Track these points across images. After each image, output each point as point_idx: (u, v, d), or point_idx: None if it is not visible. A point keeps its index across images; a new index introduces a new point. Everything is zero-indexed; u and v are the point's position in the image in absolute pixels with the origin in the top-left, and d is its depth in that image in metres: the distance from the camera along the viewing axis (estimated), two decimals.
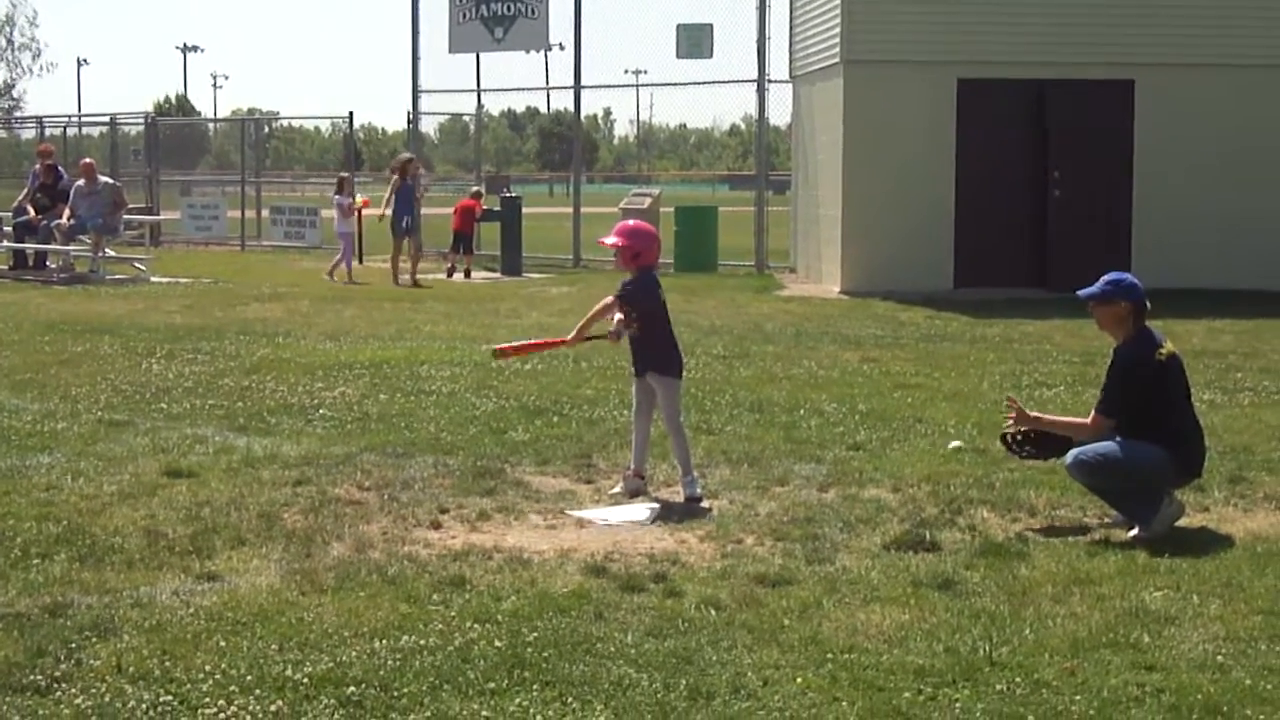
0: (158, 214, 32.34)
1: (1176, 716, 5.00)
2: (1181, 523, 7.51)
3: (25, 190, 24.98)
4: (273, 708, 5.03)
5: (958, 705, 5.09)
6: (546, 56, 29.30)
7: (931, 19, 20.77)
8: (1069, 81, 20.74)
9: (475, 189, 26.73)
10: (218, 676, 5.28)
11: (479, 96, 29.91)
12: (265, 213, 33.38)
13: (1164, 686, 5.23)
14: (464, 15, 27.75)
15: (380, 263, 24.31)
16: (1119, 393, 7.50)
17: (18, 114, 66.81)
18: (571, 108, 28.03)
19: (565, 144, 42.01)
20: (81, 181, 23.48)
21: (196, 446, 9.46)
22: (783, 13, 25.02)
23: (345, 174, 26.02)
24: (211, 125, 57.69)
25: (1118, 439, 7.47)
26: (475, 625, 5.85)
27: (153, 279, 22.66)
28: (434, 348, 14.28)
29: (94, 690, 5.16)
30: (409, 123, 29.73)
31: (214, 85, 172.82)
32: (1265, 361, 13.51)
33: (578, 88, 27.00)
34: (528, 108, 78.67)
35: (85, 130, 40.48)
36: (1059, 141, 20.91)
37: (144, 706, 5.03)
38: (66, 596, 6.20)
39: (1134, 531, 7.32)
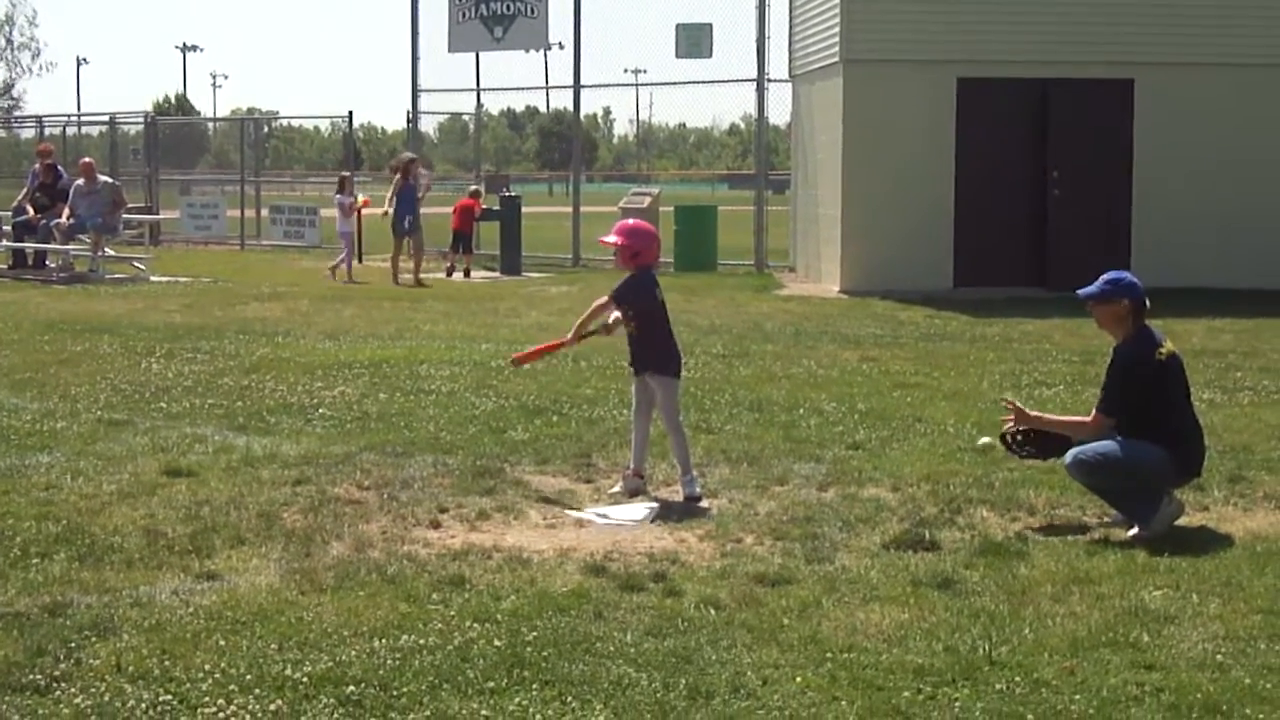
0: (157, 213, 32.33)
1: (1176, 715, 5.00)
2: (1181, 522, 7.51)
3: (24, 190, 24.98)
4: (272, 707, 5.03)
5: (957, 704, 5.09)
6: (546, 56, 29.32)
7: (931, 18, 20.77)
8: (1068, 81, 20.73)
9: (474, 188, 26.74)
10: (217, 676, 5.28)
11: (478, 96, 29.95)
12: (265, 212, 33.37)
13: (1163, 685, 5.23)
14: (463, 14, 27.75)
15: (380, 262, 24.31)
16: (1120, 392, 7.50)
17: (17, 113, 66.80)
18: (571, 107, 28.04)
19: (565, 143, 42.01)
20: (81, 181, 23.47)
21: (196, 446, 9.46)
22: (782, 12, 25.06)
23: (346, 173, 26.01)
24: (211, 124, 57.67)
25: (1117, 438, 7.47)
26: (475, 624, 5.85)
27: (152, 278, 22.66)
28: (433, 347, 14.28)
29: (93, 690, 5.16)
30: (408, 122, 29.75)
31: (213, 85, 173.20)
32: (1265, 361, 13.51)
33: (577, 87, 26.99)
34: (527, 107, 78.63)
35: (85, 130, 40.48)
36: (1058, 141, 20.91)
37: (143, 706, 5.03)
38: (66, 596, 6.20)
39: (1133, 531, 7.32)
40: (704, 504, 8.09)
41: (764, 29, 24.53)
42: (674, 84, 27.36)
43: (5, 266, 24.57)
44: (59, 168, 25.23)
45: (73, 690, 5.16)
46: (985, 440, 9.23)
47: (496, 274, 24.97)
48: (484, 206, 25.72)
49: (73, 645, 5.59)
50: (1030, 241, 20.92)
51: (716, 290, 20.86)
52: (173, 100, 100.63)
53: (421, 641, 5.65)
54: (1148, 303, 7.61)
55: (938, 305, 18.51)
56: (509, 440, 9.68)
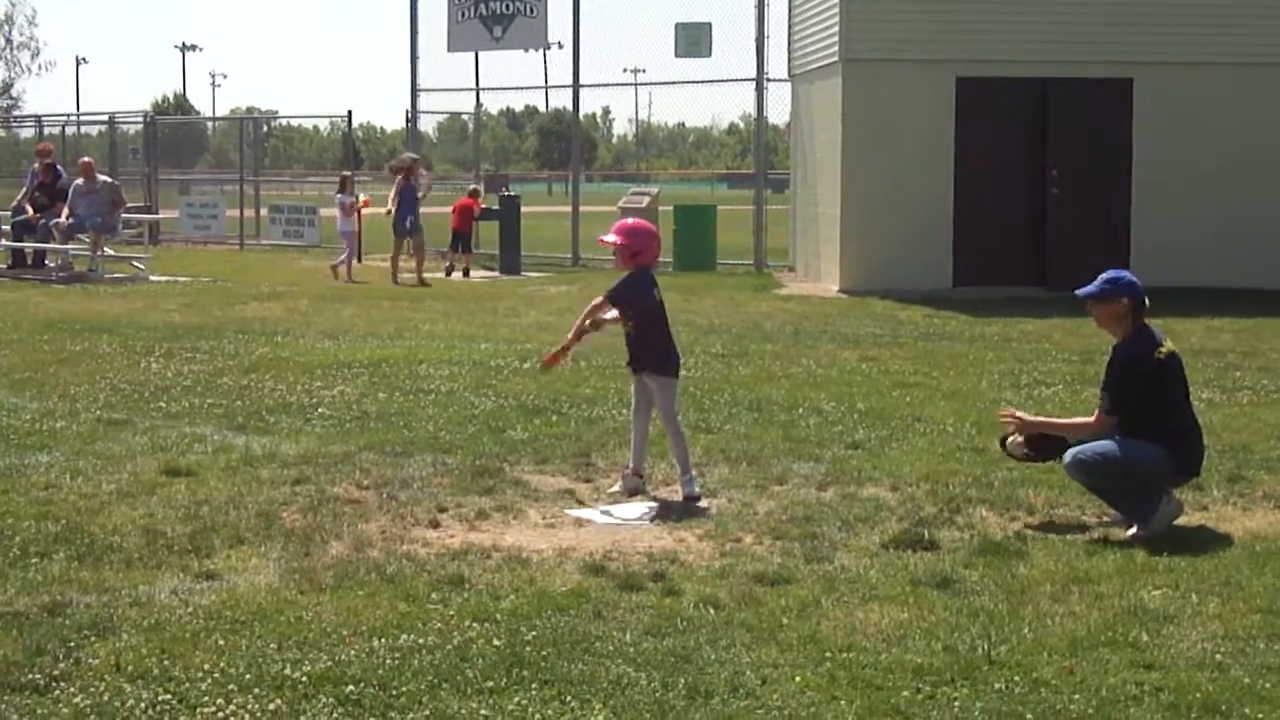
0: (156, 213, 32.33)
1: (1175, 715, 5.00)
2: (1180, 521, 7.51)
3: (24, 189, 24.98)
4: (271, 706, 5.03)
5: (956, 704, 5.09)
6: (545, 55, 29.32)
7: (930, 18, 20.77)
8: (1067, 80, 20.73)
9: (472, 187, 26.74)
10: (216, 675, 5.28)
11: (478, 95, 29.92)
12: (264, 211, 33.37)
13: (1162, 685, 5.23)
14: (463, 14, 27.75)
15: (379, 262, 24.30)
16: (1121, 390, 7.49)
17: (16, 113, 66.86)
18: (570, 106, 28.04)
19: (564, 143, 42.00)
20: (80, 180, 23.47)
21: (195, 445, 9.46)
22: (781, 11, 25.06)
23: (347, 173, 26.02)
24: (210, 124, 57.67)
25: (1116, 438, 7.46)
26: (474, 624, 5.85)
27: (151, 278, 22.66)
28: (433, 346, 14.28)
29: (93, 689, 5.16)
30: (408, 121, 29.72)
31: (213, 84, 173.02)
32: (1264, 360, 13.52)
33: (576, 86, 26.99)
34: (526, 106, 78.55)
35: (84, 129, 40.46)
36: (1057, 140, 20.91)
37: (143, 705, 5.03)
38: (65, 595, 6.20)
39: (1132, 530, 7.32)
40: (703, 503, 8.09)
41: (763, 28, 24.55)
42: (673, 83, 27.36)
43: (4, 266, 24.57)
44: (58, 167, 25.22)
45: (72, 690, 5.16)
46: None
47: (496, 273, 24.97)
48: (483, 206, 25.72)
49: (72, 645, 5.59)
50: (1029, 241, 20.92)
51: (716, 290, 20.86)
52: (172, 100, 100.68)
53: (421, 641, 5.65)
54: (1147, 301, 7.61)
55: (937, 305, 18.51)
56: (508, 440, 9.68)
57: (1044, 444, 7.88)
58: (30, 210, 24.07)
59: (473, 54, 28.74)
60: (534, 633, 5.75)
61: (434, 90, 29.13)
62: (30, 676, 5.26)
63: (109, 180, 24.49)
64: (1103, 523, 7.57)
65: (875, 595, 6.30)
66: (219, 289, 21.17)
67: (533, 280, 23.54)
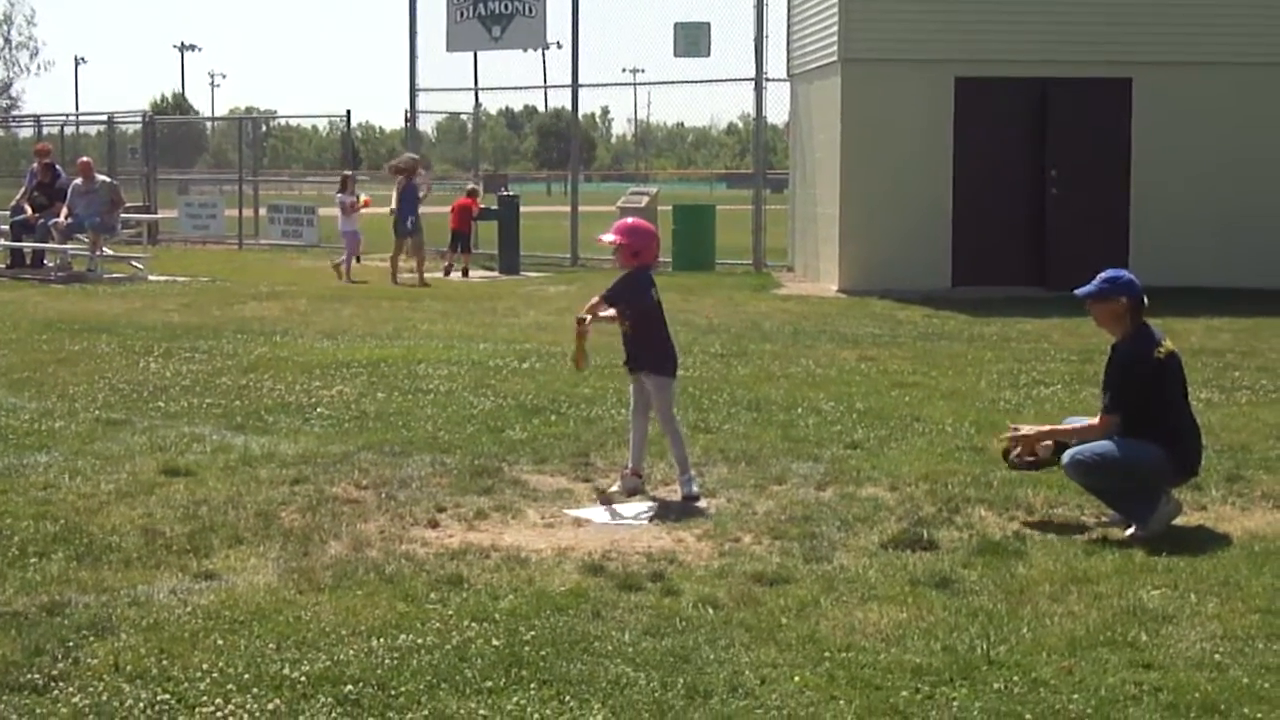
0: (155, 212, 32.35)
1: (1174, 715, 5.00)
2: (1179, 521, 7.51)
3: (23, 189, 24.97)
4: (270, 706, 5.03)
5: (955, 704, 5.09)
6: (544, 55, 29.35)
7: (929, 17, 20.77)
8: (1066, 80, 20.73)
9: (470, 187, 26.72)
10: (215, 675, 5.28)
11: (476, 95, 29.91)
12: (263, 211, 33.37)
13: (1162, 685, 5.23)
14: (461, 14, 27.74)
15: (379, 262, 24.30)
16: (1121, 390, 7.48)
17: (15, 113, 66.83)
18: (569, 106, 28.05)
19: (563, 143, 41.98)
20: (79, 180, 23.46)
21: (194, 445, 9.45)
22: (780, 11, 25.06)
23: (349, 172, 26.03)
24: (209, 124, 57.67)
25: (1115, 438, 7.46)
26: (473, 624, 5.85)
27: (150, 278, 22.65)
28: (431, 346, 14.27)
29: (91, 689, 5.16)
30: (406, 121, 29.72)
31: (211, 84, 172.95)
32: (1263, 360, 13.52)
33: (575, 86, 27.00)
34: (525, 106, 78.56)
35: (83, 129, 40.47)
36: (1057, 140, 20.91)
37: (141, 705, 5.03)
38: (64, 595, 6.20)
39: (1131, 530, 7.32)
40: (702, 503, 8.08)
41: (762, 28, 24.55)
42: (672, 83, 27.36)
43: (3, 266, 24.57)
44: (57, 167, 25.22)
45: (71, 689, 5.16)
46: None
47: (495, 273, 24.97)
48: (481, 206, 25.72)
49: (71, 644, 5.58)
50: (1029, 241, 20.92)
51: (715, 289, 20.86)
52: (170, 99, 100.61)
53: (419, 641, 5.65)
54: (1146, 300, 7.60)
55: (936, 305, 18.51)
56: (507, 439, 9.68)
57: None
58: (29, 210, 24.07)
59: (471, 54, 28.74)
60: (533, 632, 5.75)
61: (433, 90, 29.14)
62: (29, 676, 5.26)
63: (108, 180, 24.49)
64: (1101, 523, 7.57)
65: (874, 595, 6.30)
66: (218, 289, 21.17)
67: (532, 280, 23.54)
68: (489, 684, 5.23)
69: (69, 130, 39.37)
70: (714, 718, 5.00)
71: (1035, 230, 20.94)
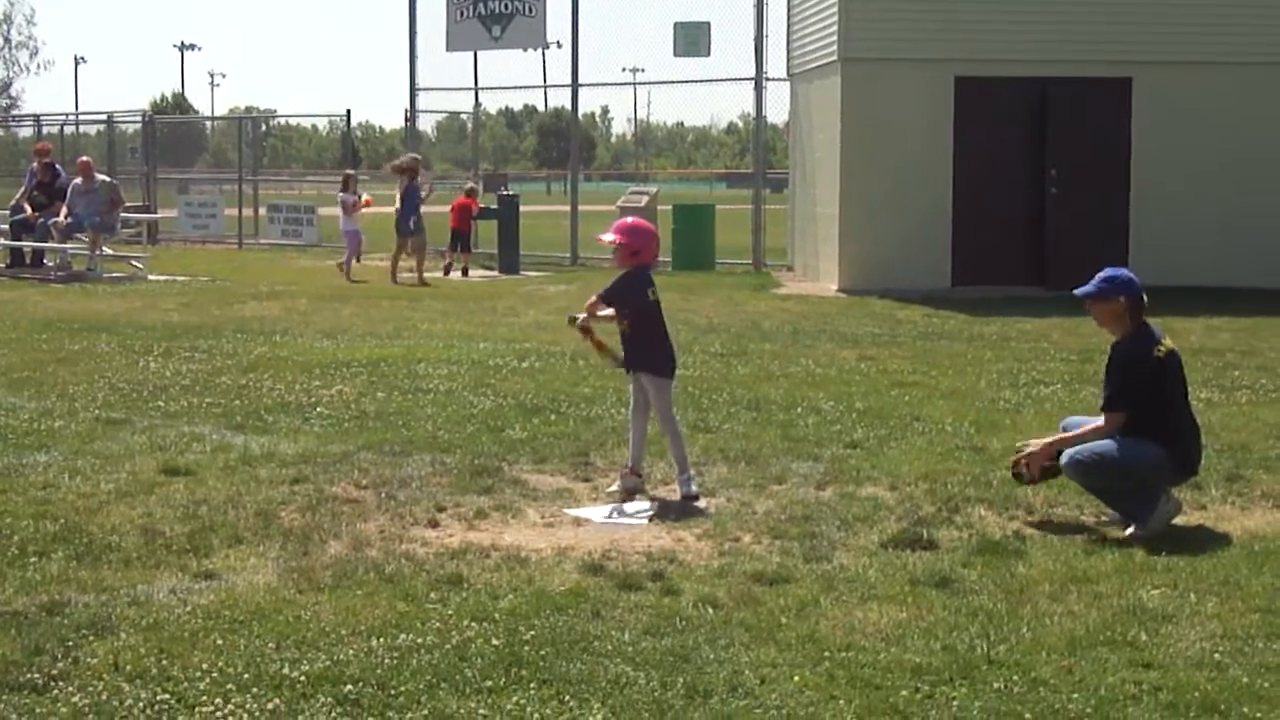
0: (155, 212, 32.35)
1: (1174, 714, 5.00)
2: (1178, 521, 7.51)
3: (22, 188, 24.99)
4: (270, 706, 5.03)
5: (955, 703, 5.09)
6: (544, 54, 29.35)
7: (929, 17, 20.76)
8: (1066, 79, 20.73)
9: (469, 185, 26.72)
10: (215, 675, 5.28)
11: (476, 94, 29.91)
12: (262, 211, 33.37)
13: (1161, 684, 5.23)
14: (461, 13, 27.74)
15: (380, 261, 24.31)
16: (1122, 389, 7.48)
17: (15, 112, 66.84)
18: (569, 106, 28.04)
19: (562, 142, 41.97)
20: (79, 180, 23.47)
21: (194, 445, 9.45)
22: (780, 10, 25.06)
23: (351, 171, 26.03)
24: (209, 123, 57.68)
25: (1115, 437, 7.46)
26: (472, 623, 5.85)
27: (150, 277, 22.65)
28: (431, 346, 14.27)
29: (91, 688, 5.16)
30: (406, 121, 29.72)
31: (211, 83, 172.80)
32: (1263, 359, 13.52)
33: (575, 86, 27.00)
34: (525, 106, 78.50)
35: (82, 128, 40.48)
36: (1056, 139, 20.91)
37: (141, 704, 5.03)
38: (64, 595, 6.20)
39: (1131, 530, 7.32)
40: (701, 503, 8.08)
41: (762, 28, 24.55)
42: (672, 83, 27.37)
43: (3, 265, 24.57)
44: (57, 166, 25.23)
45: (70, 689, 5.16)
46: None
47: (495, 273, 24.97)
48: (480, 205, 25.71)
49: (70, 644, 5.58)
50: (1028, 240, 20.92)
51: (714, 289, 20.86)
52: (170, 99, 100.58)
53: (419, 640, 5.65)
54: (1145, 299, 7.60)
55: (936, 304, 18.51)
56: (507, 439, 9.67)
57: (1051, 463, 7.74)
58: (29, 209, 24.07)
59: (471, 53, 28.73)
60: (532, 632, 5.75)
61: (433, 89, 29.13)
62: (29, 676, 5.26)
63: (107, 179, 24.49)
64: (1101, 522, 7.57)
65: (874, 595, 6.30)
66: (217, 288, 21.17)
67: (531, 279, 23.54)
68: (489, 684, 5.23)
69: (69, 130, 39.38)
70: (714, 717, 5.00)
71: (1035, 230, 20.94)
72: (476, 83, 29.48)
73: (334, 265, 23.43)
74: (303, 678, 5.25)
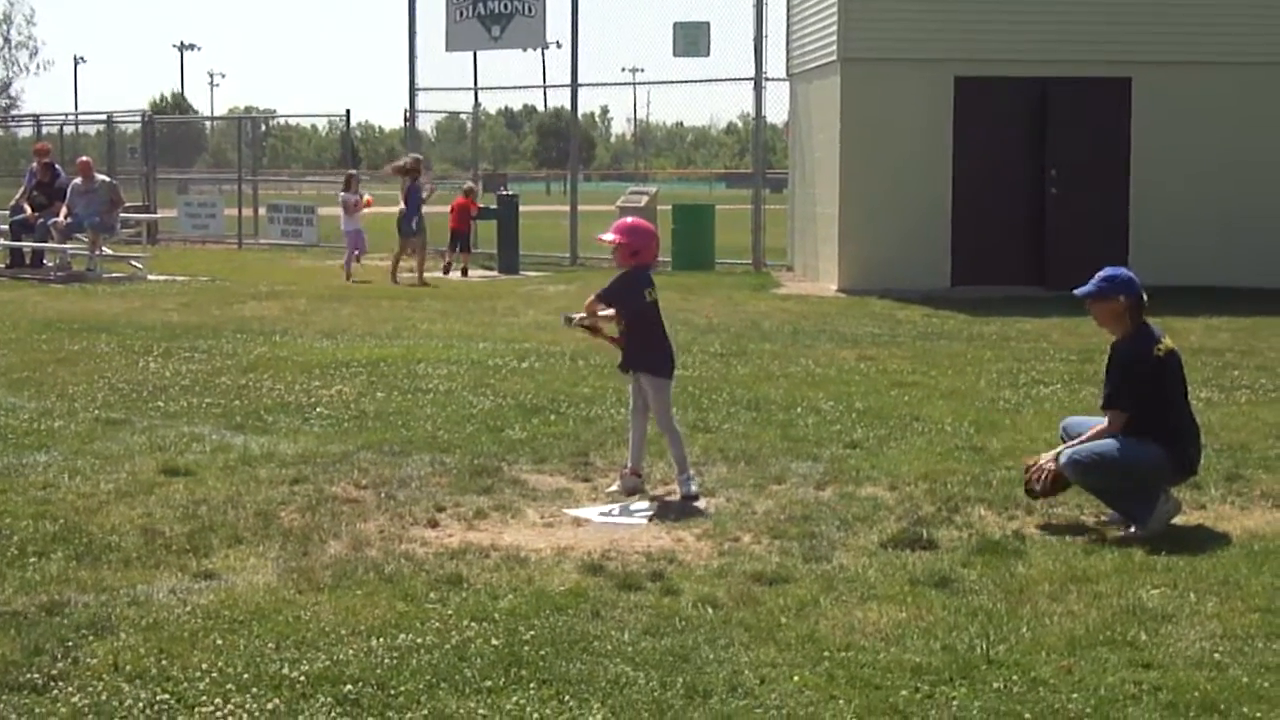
0: (155, 212, 32.35)
1: (1174, 714, 5.00)
2: (1178, 521, 7.51)
3: (22, 188, 24.98)
4: (270, 706, 5.03)
5: (955, 703, 5.09)
6: (544, 54, 29.38)
7: (928, 17, 20.77)
8: (1066, 79, 20.73)
9: (467, 185, 26.71)
10: (214, 675, 5.28)
11: (476, 94, 29.91)
12: (262, 211, 33.37)
13: (1161, 684, 5.23)
14: (461, 13, 27.74)
15: (380, 261, 24.30)
16: (1122, 388, 7.48)
17: (15, 112, 66.83)
18: (568, 106, 28.05)
19: (562, 142, 42.00)
20: (78, 180, 23.47)
21: (193, 445, 9.45)
22: (780, 10, 25.08)
23: (353, 171, 26.01)
24: (208, 123, 57.68)
25: (1114, 436, 7.45)
26: (472, 623, 5.85)
27: (150, 277, 22.65)
28: (431, 346, 14.27)
29: (91, 688, 5.16)
30: (406, 121, 29.72)
31: (211, 83, 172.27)
32: (1262, 359, 13.52)
33: (575, 86, 27.00)
34: (525, 106, 78.61)
35: (82, 128, 40.49)
36: (1056, 139, 20.91)
37: (141, 705, 5.03)
38: (63, 595, 6.20)
39: (1131, 529, 7.32)
40: (701, 503, 8.08)
41: (761, 27, 24.55)
42: (671, 83, 27.38)
43: (3, 265, 24.57)
44: (56, 166, 25.23)
45: (70, 689, 5.16)
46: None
47: (494, 273, 24.97)
48: (479, 205, 25.71)
49: (70, 644, 5.58)
50: (1028, 240, 20.92)
51: (714, 289, 20.86)
52: (170, 99, 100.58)
53: (419, 640, 5.65)
54: (1145, 299, 7.60)
55: (935, 304, 18.51)
56: (506, 439, 9.67)
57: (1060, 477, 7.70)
58: (28, 209, 24.07)
59: (471, 53, 28.73)
60: (532, 632, 5.75)
61: (432, 89, 29.13)
62: (28, 676, 5.26)
63: (107, 179, 24.49)
64: (1101, 522, 7.57)
65: (873, 594, 6.30)
66: (217, 288, 21.17)
67: (531, 279, 23.54)
68: (488, 683, 5.23)
69: (68, 130, 39.40)
70: (713, 717, 5.00)
71: (1035, 230, 20.94)
72: (476, 83, 29.50)
73: (339, 265, 23.41)
74: (302, 678, 5.25)
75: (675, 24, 25.28)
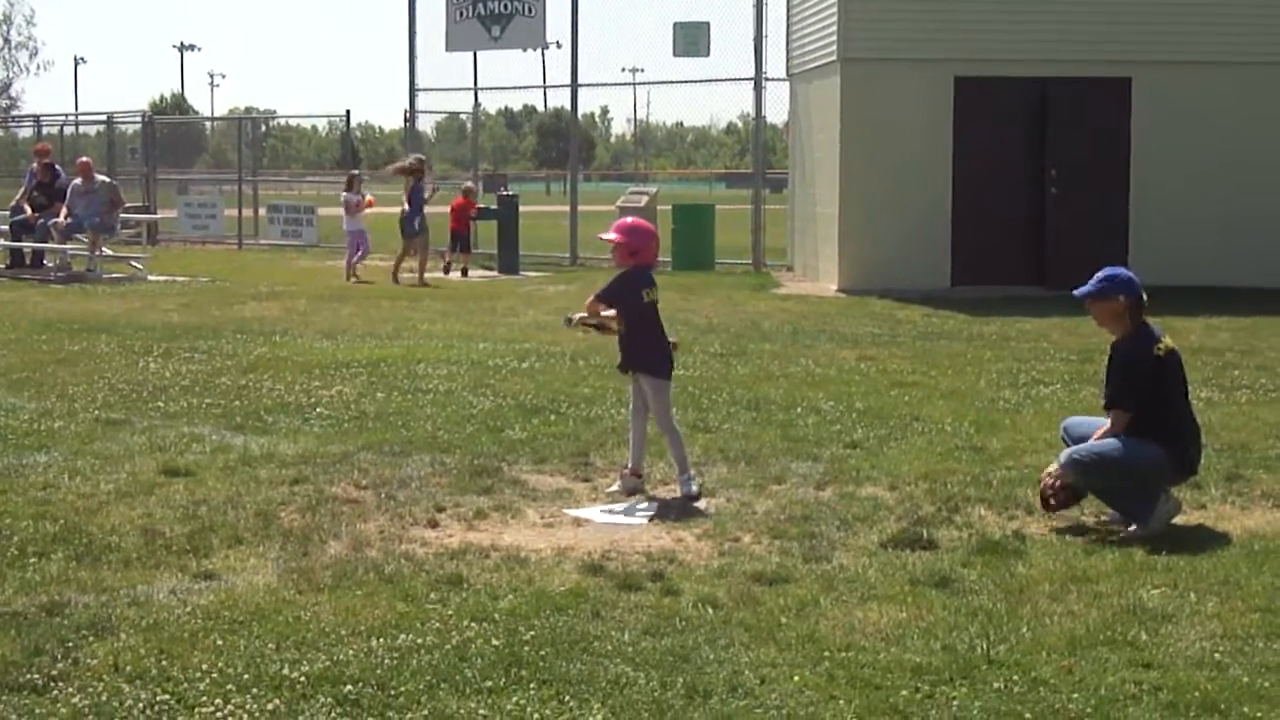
0: (155, 213, 32.35)
1: (1174, 714, 5.00)
2: (1178, 520, 7.51)
3: (22, 189, 24.98)
4: (270, 706, 5.03)
5: (955, 703, 5.09)
6: (544, 55, 29.37)
7: (928, 17, 20.77)
8: (1066, 79, 20.73)
9: (466, 185, 26.70)
10: (215, 675, 5.28)
11: (476, 95, 29.91)
12: (262, 211, 33.37)
13: (1161, 684, 5.23)
14: (461, 13, 27.75)
15: (381, 262, 24.30)
16: (1123, 388, 7.47)
17: (15, 113, 66.81)
18: (568, 106, 28.05)
19: (562, 142, 42.00)
20: (78, 180, 23.47)
21: (193, 445, 9.45)
22: (780, 10, 25.08)
23: (355, 171, 25.98)
24: (208, 124, 57.70)
25: (1116, 436, 7.45)
26: (472, 624, 5.84)
27: (150, 278, 22.65)
28: (431, 346, 14.27)
29: (91, 689, 5.15)
30: (406, 121, 29.72)
31: (211, 84, 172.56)
32: (1262, 359, 13.52)
33: (574, 86, 27.00)
34: (525, 106, 78.57)
35: (82, 129, 40.49)
36: (1056, 139, 20.91)
37: (141, 705, 5.02)
38: (63, 595, 6.20)
39: (1131, 529, 7.32)
40: (701, 503, 8.08)
41: (761, 28, 24.55)
42: (671, 83, 27.38)
43: (3, 266, 24.58)
44: (56, 167, 25.22)
45: (70, 690, 5.16)
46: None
47: (494, 273, 24.97)
48: (479, 205, 25.70)
49: (70, 645, 5.58)
50: (1028, 240, 20.92)
51: (714, 289, 20.85)
52: (170, 99, 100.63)
53: (419, 641, 5.65)
54: (1145, 298, 7.60)
55: (935, 304, 18.51)
56: (506, 439, 9.67)
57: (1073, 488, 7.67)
58: (29, 210, 24.07)
59: (471, 53, 28.73)
60: (532, 632, 5.75)
61: (432, 90, 29.14)
62: (28, 676, 5.26)
63: (107, 180, 24.49)
64: (1101, 522, 7.57)
65: (874, 594, 6.30)
66: (217, 289, 21.16)
67: (531, 280, 23.54)
68: (489, 684, 5.23)
69: (68, 130, 39.39)
70: (714, 717, 5.00)
71: (1035, 230, 20.94)
72: (476, 83, 29.49)
73: (340, 265, 23.39)
74: (302, 678, 5.25)
75: (675, 24, 25.28)
